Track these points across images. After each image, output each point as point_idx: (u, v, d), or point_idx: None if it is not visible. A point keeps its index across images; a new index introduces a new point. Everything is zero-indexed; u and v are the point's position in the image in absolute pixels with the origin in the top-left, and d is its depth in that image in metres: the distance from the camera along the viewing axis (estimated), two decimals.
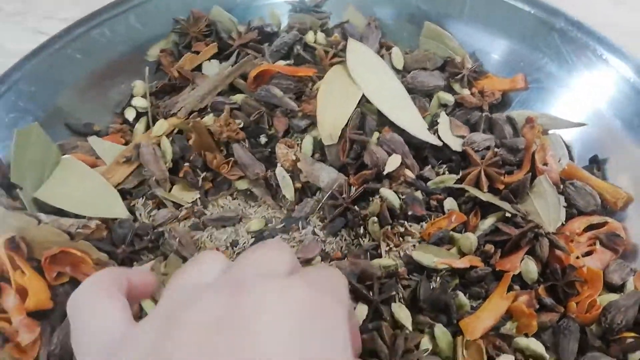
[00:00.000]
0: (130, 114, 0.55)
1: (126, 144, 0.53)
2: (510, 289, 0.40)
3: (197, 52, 0.56)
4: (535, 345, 0.38)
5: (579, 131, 0.49)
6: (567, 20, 0.52)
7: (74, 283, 0.44)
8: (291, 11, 0.58)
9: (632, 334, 0.38)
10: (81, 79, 0.54)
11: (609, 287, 0.41)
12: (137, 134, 0.54)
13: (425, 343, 0.39)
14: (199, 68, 0.56)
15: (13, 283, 0.41)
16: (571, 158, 0.49)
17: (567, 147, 0.49)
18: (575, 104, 0.50)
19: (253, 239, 0.48)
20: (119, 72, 0.56)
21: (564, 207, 0.45)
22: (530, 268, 0.41)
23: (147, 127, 0.54)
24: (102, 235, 0.45)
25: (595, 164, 0.47)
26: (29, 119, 0.50)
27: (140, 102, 0.55)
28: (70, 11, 0.63)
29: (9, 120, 0.50)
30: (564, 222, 0.44)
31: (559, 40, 0.52)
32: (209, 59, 0.56)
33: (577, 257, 0.41)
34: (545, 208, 0.44)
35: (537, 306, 0.40)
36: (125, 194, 0.49)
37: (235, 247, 0.48)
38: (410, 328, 0.39)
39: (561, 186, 0.46)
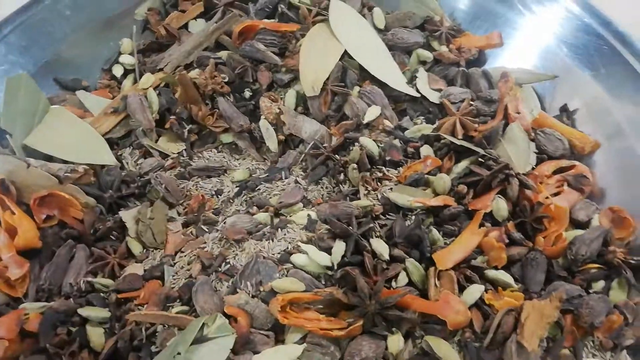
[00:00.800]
0: (117, 71, 0.56)
1: (114, 99, 0.54)
2: (481, 226, 0.42)
3: (184, 11, 0.57)
4: (504, 277, 0.40)
5: (551, 84, 0.51)
6: None
7: (62, 225, 0.45)
8: None
9: (596, 266, 0.40)
10: (71, 35, 0.55)
11: (576, 224, 0.43)
12: (125, 88, 0.55)
13: (403, 278, 0.40)
14: (185, 27, 0.58)
15: (2, 222, 0.43)
16: (543, 109, 0.51)
17: (540, 98, 0.51)
18: (548, 55, 0.52)
19: (237, 188, 0.49)
20: (107, 30, 0.57)
21: (534, 152, 0.47)
22: (500, 206, 0.43)
23: (135, 83, 0.55)
24: (89, 181, 0.46)
25: (565, 113, 0.49)
26: (19, 72, 0.51)
27: (127, 59, 0.56)
28: None
29: None
30: (534, 166, 0.46)
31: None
32: (195, 18, 0.57)
33: (546, 197, 0.43)
34: (516, 152, 0.46)
35: (507, 241, 0.42)
36: (112, 144, 0.50)
37: (220, 195, 0.49)
38: (388, 258, 0.40)
39: (532, 134, 0.48)
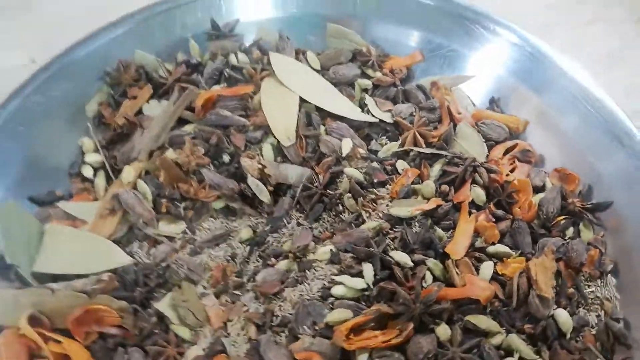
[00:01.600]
0: (87, 171, 0.56)
1: (95, 200, 0.54)
2: (470, 214, 0.51)
3: (135, 97, 0.59)
4: (502, 249, 0.49)
5: (473, 82, 0.62)
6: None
7: (104, 337, 0.45)
8: (208, 40, 0.63)
9: (563, 217, 0.51)
10: (29, 150, 0.54)
11: (535, 190, 0.53)
12: (99, 188, 0.55)
13: (429, 276, 0.47)
14: (139, 112, 0.59)
15: (50, 355, 0.42)
16: (473, 104, 0.61)
17: (469, 97, 0.61)
18: (468, 64, 0.62)
19: (248, 246, 0.53)
20: (63, 135, 0.56)
21: (483, 142, 0.56)
22: (478, 193, 0.51)
23: (108, 179, 0.56)
24: (115, 286, 0.47)
25: (494, 103, 0.60)
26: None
27: (93, 158, 0.56)
28: None
29: None
30: (487, 153, 0.56)
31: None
32: (147, 101, 0.59)
33: (507, 175, 0.53)
34: (471, 146, 0.56)
35: (494, 219, 0.51)
36: (117, 243, 0.51)
37: (235, 258, 0.52)
38: (412, 264, 0.47)
39: (475, 127, 0.58)
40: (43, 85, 0.56)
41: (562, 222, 0.51)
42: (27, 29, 0.76)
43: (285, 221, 0.54)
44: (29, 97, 0.55)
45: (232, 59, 0.62)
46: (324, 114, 0.58)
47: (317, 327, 0.46)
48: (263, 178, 0.55)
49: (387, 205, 0.52)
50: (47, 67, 0.57)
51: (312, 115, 0.57)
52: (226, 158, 0.56)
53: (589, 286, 0.47)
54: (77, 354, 0.42)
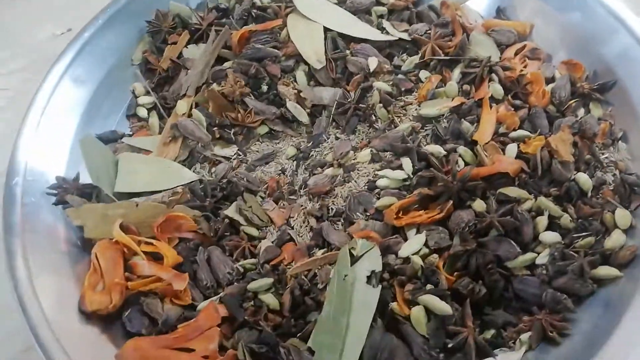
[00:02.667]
0: (142, 112, 0.62)
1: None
2: (490, 107, 0.57)
3: (175, 43, 0.64)
4: (523, 133, 0.55)
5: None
6: None
7: (185, 241, 0.52)
8: None
9: (574, 100, 0.57)
10: (90, 96, 0.60)
11: (546, 82, 0.59)
12: (154, 125, 0.61)
13: (461, 162, 0.53)
14: (179, 56, 0.65)
15: (141, 255, 0.49)
16: (482, 17, 0.67)
17: (477, 11, 0.67)
18: None
19: (294, 161, 0.59)
20: (115, 83, 0.62)
21: (495, 46, 0.62)
22: (496, 88, 0.57)
23: (161, 117, 0.62)
24: (187, 198, 0.53)
25: (501, 12, 0.65)
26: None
27: (145, 100, 0.62)
28: None
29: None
30: (500, 56, 0.62)
31: None
32: (186, 46, 0.65)
33: (521, 70, 0.59)
34: (485, 50, 0.61)
35: (512, 109, 0.56)
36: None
37: (285, 172, 0.58)
38: (445, 152, 0.53)
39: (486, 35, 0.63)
40: (91, 40, 0.62)
41: (574, 104, 0.57)
42: (59, 2, 0.81)
43: (324, 137, 0.60)
44: (83, 49, 0.60)
45: (257, 0, 0.68)
46: (347, 40, 0.64)
47: (368, 213, 0.52)
48: (299, 102, 0.61)
49: (416, 109, 0.58)
50: (91, 23, 0.63)
51: (337, 40, 0.63)
52: (264, 87, 0.62)
53: (602, 154, 0.53)
54: (168, 251, 0.48)
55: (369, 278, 0.46)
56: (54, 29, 0.79)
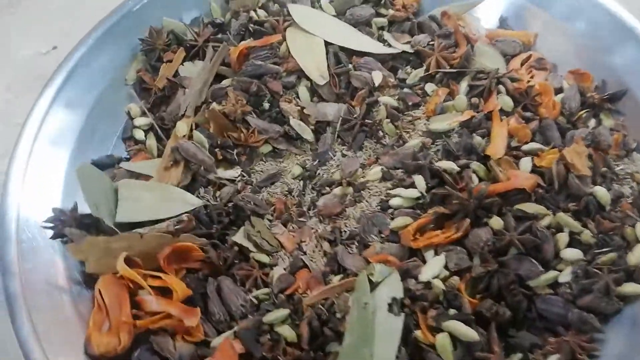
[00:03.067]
0: (139, 134, 0.59)
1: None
2: (500, 120, 0.55)
3: (170, 61, 0.62)
4: (535, 145, 0.54)
5: (481, 7, 0.66)
6: None
7: (192, 272, 0.49)
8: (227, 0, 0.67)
9: (584, 111, 0.56)
10: (83, 119, 0.57)
11: (555, 92, 0.58)
12: (152, 148, 0.59)
13: (475, 178, 0.52)
14: (175, 74, 0.62)
15: (148, 290, 0.46)
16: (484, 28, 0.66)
17: (479, 20, 0.66)
18: None
19: (301, 181, 0.57)
20: (109, 105, 0.60)
21: (501, 56, 0.61)
22: (505, 100, 0.56)
23: (159, 139, 0.59)
24: (193, 226, 0.51)
25: (504, 22, 0.64)
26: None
27: (142, 121, 0.60)
28: None
29: None
30: (506, 67, 0.61)
31: None
32: (182, 63, 0.62)
33: (528, 81, 0.58)
34: (491, 61, 0.60)
35: (523, 120, 0.55)
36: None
37: (292, 193, 0.56)
38: (458, 169, 0.52)
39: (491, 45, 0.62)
40: (81, 60, 0.59)
41: (584, 115, 0.56)
42: (44, 17, 0.78)
43: (330, 154, 0.58)
44: (73, 71, 0.57)
45: (254, 15, 0.65)
46: (349, 53, 0.62)
47: (382, 235, 0.51)
48: (303, 118, 0.59)
49: (425, 124, 0.57)
50: (81, 43, 0.60)
51: (339, 54, 0.61)
52: (266, 105, 0.59)
53: (617, 165, 0.53)
54: (177, 285, 0.46)
55: (390, 305, 0.45)
56: (38, 47, 0.76)
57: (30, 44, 0.76)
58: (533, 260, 0.47)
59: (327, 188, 0.55)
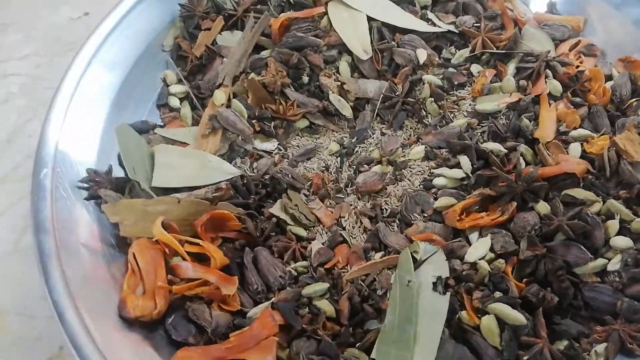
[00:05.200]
0: (174, 102, 0.58)
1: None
2: (549, 104, 0.54)
3: (209, 29, 0.60)
4: (585, 132, 0.52)
5: None
6: None
7: (228, 241, 0.48)
8: None
9: (634, 99, 0.54)
10: (121, 82, 0.55)
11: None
12: (186, 116, 0.57)
13: (522, 161, 0.50)
14: (212, 43, 0.61)
15: (185, 256, 0.45)
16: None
17: (527, 4, 0.64)
18: None
19: (337, 158, 0.55)
20: (145, 70, 0.58)
21: (550, 40, 0.59)
22: (554, 84, 0.54)
23: (193, 108, 0.58)
24: (230, 195, 0.49)
25: (553, 6, 0.63)
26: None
27: (177, 89, 0.58)
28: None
29: None
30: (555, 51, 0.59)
31: None
32: (220, 32, 0.61)
33: (577, 66, 0.56)
34: (539, 45, 0.58)
35: (572, 106, 0.54)
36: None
37: (329, 169, 0.55)
38: (506, 151, 0.50)
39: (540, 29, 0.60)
40: (119, 23, 0.58)
41: (635, 103, 0.54)
42: None
43: (369, 132, 0.56)
44: (111, 32, 0.56)
45: None
46: (392, 30, 0.60)
47: (425, 214, 0.49)
48: (342, 94, 0.58)
49: (470, 104, 0.55)
50: (117, 6, 0.58)
51: (382, 30, 0.60)
52: (305, 79, 0.58)
53: None
54: (215, 252, 0.44)
55: (434, 284, 0.43)
56: (70, 13, 0.74)
57: (61, 10, 0.74)
58: (582, 247, 0.46)
59: (366, 166, 0.54)
